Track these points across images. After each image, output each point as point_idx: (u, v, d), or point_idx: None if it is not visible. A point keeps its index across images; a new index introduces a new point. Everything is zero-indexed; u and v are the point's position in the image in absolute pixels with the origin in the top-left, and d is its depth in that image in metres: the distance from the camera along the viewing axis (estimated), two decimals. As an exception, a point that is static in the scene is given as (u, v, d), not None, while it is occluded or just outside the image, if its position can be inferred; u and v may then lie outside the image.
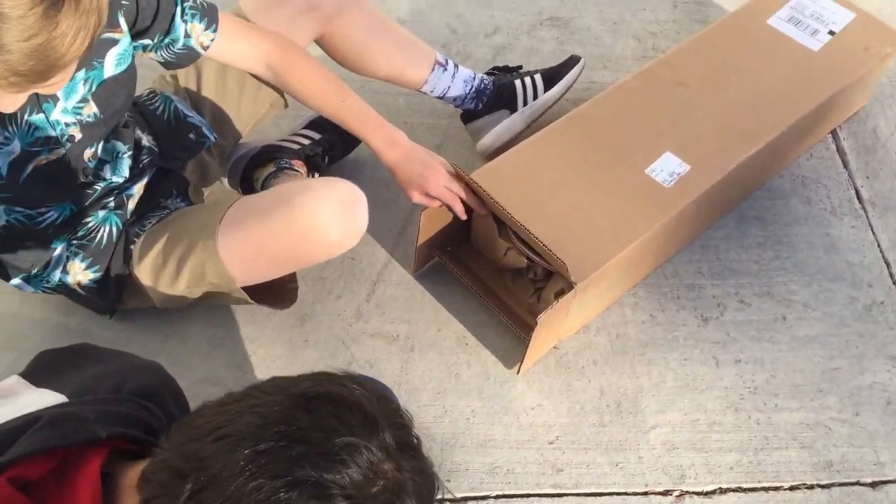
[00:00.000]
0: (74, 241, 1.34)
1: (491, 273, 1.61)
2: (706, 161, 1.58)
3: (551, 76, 1.79)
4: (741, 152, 1.59)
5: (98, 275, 1.37)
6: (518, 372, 1.53)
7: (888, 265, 1.74)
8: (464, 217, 1.48)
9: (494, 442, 1.45)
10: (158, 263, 1.34)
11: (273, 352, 1.51)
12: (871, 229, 1.79)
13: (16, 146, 1.14)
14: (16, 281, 1.34)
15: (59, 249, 1.33)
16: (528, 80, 1.77)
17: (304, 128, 1.71)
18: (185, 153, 1.45)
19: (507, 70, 1.82)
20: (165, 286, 1.35)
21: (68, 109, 1.19)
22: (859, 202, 1.84)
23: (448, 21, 2.08)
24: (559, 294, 1.46)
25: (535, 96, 1.76)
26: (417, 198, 1.45)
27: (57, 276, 1.35)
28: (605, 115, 1.65)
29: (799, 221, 1.79)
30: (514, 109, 1.76)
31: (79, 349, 0.88)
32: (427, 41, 2.00)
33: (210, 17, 1.33)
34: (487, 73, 1.79)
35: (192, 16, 1.30)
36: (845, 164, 1.90)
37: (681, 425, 1.50)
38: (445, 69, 1.68)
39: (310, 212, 1.26)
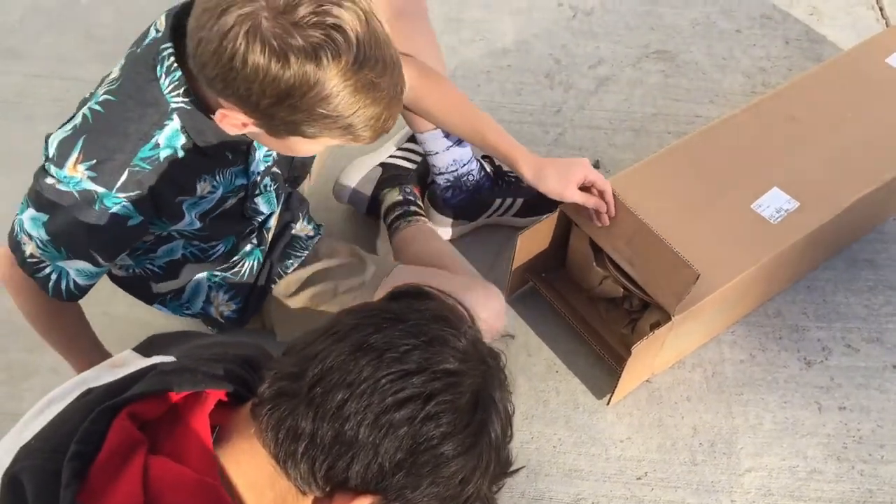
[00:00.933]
0: (218, 273, 1.36)
1: (584, 301, 1.59)
2: (815, 199, 1.52)
3: (533, 206, 1.68)
4: (853, 192, 1.53)
5: (238, 306, 1.40)
6: (608, 403, 1.50)
7: None
8: (606, 223, 1.43)
9: (580, 473, 1.42)
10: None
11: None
12: None
13: (218, 194, 1.17)
14: (156, 305, 1.38)
15: (198, 278, 1.35)
16: (508, 200, 1.69)
17: (409, 140, 1.73)
18: (304, 168, 1.43)
19: (498, 174, 1.69)
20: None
21: (262, 159, 1.22)
22: (981, 250, 1.74)
23: (552, 51, 2.09)
24: (654, 326, 1.43)
25: (502, 215, 1.71)
26: (575, 195, 1.38)
27: (199, 304, 1.38)
28: (712, 147, 1.61)
29: (913, 267, 1.71)
30: (472, 219, 1.70)
31: (189, 332, 0.92)
32: (530, 71, 2.02)
33: None
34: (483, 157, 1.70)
35: None
36: (967, 210, 1.80)
37: (778, 471, 1.43)
38: (447, 137, 1.57)
39: None
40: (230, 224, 1.26)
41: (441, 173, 1.60)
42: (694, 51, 2.11)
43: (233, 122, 0.99)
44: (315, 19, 0.88)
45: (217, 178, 1.15)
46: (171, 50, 1.02)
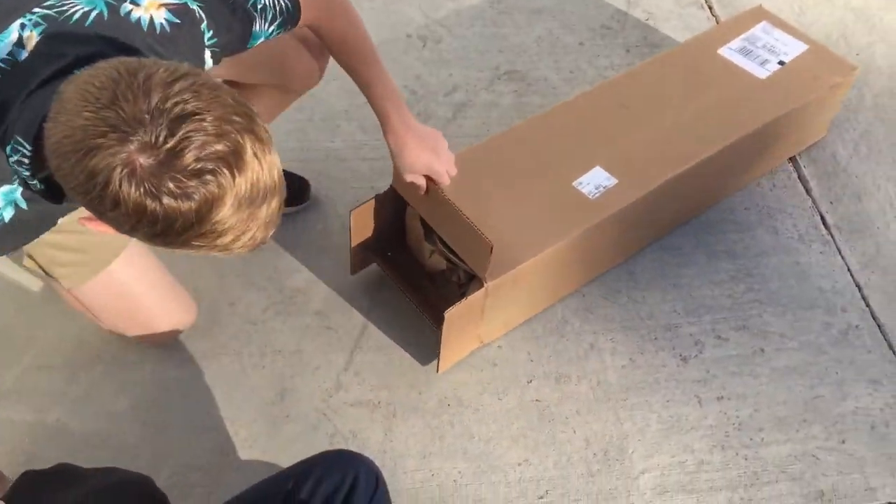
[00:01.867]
0: None
1: (423, 278, 1.65)
2: (634, 177, 1.61)
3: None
4: (670, 170, 1.62)
5: None
6: (437, 370, 1.56)
7: (860, 288, 1.76)
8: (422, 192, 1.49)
9: (484, 502, 1.44)
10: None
11: (255, 430, 1.50)
12: (840, 254, 1.81)
13: None
14: None
15: None
16: None
17: None
18: None
19: None
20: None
21: None
22: (825, 228, 1.86)
23: (407, 83, 2.11)
24: None
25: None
26: (411, 178, 1.45)
27: None
28: (542, 131, 1.70)
29: (768, 252, 1.81)
30: None
31: (62, 472, 0.86)
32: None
33: (291, 21, 1.25)
34: None
35: (275, 32, 1.24)
36: (808, 192, 1.93)
37: (669, 468, 1.49)
38: None
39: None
40: None
41: None
42: (542, 67, 2.18)
43: (98, 227, 0.92)
44: (198, 167, 0.82)
45: None
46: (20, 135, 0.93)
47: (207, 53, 1.13)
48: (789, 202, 1.91)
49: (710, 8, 2.39)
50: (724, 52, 1.87)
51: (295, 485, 1.10)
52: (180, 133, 0.80)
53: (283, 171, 1.82)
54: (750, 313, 1.71)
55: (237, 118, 0.84)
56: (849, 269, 1.79)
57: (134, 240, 1.08)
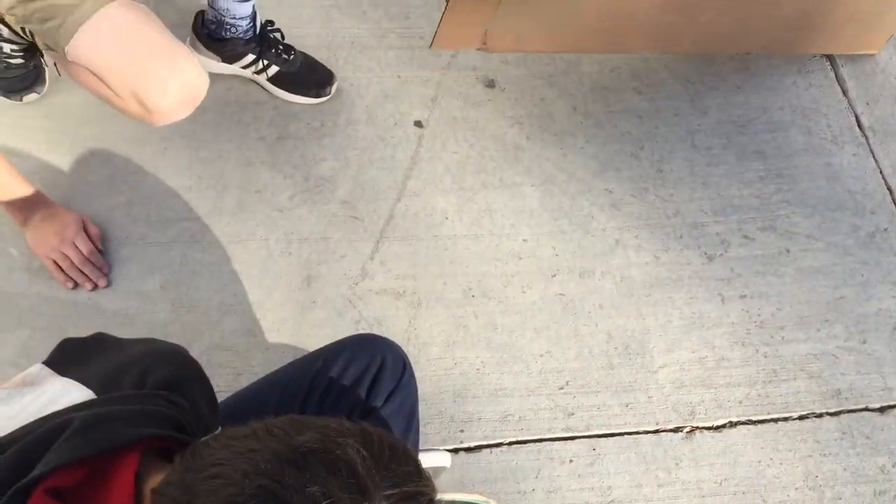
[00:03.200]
0: None
1: None
2: None
3: (288, 78, 1.75)
4: None
5: None
6: (431, 45, 1.51)
7: (891, 191, 1.74)
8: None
9: (505, 391, 1.47)
10: None
11: (282, 314, 1.53)
12: (873, 156, 1.79)
13: None
14: None
15: None
16: (262, 62, 1.73)
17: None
18: None
19: (264, 36, 1.74)
20: None
21: None
22: (860, 129, 1.83)
23: None
24: None
25: (257, 73, 1.74)
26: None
27: None
28: None
29: (799, 153, 1.78)
30: (225, 61, 1.73)
31: (99, 339, 0.88)
32: None
33: None
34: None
35: None
36: (844, 92, 1.88)
37: (689, 363, 1.51)
38: None
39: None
40: None
41: (213, 7, 1.66)
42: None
43: None
44: None
45: None
46: None
47: None
48: (824, 102, 1.86)
49: None
50: None
51: (324, 365, 1.12)
52: None
53: (310, 58, 1.77)
54: (778, 213, 1.70)
55: None
56: (881, 172, 1.76)
57: None
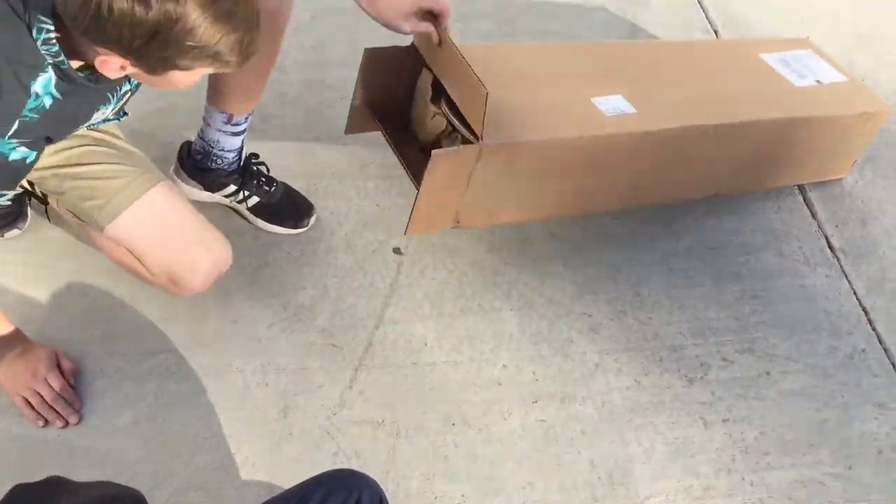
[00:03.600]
0: None
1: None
2: (653, 114, 1.62)
3: (268, 209, 1.78)
4: (689, 120, 1.63)
5: None
6: (406, 231, 1.51)
7: (866, 312, 1.75)
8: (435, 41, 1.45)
9: (488, 524, 1.43)
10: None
11: (257, 447, 1.49)
12: (846, 277, 1.81)
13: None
14: None
15: None
16: (243, 192, 1.76)
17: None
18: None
19: (247, 168, 1.78)
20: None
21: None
22: (831, 251, 1.86)
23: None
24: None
25: (239, 202, 1.78)
26: (406, 26, 1.38)
27: None
28: (574, 52, 1.74)
29: (774, 275, 1.81)
30: (208, 189, 1.77)
31: (54, 483, 0.86)
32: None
33: None
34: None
35: None
36: (814, 215, 1.93)
37: (675, 493, 1.48)
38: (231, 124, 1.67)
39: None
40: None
41: (202, 138, 1.71)
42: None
43: (112, 66, 1.09)
44: None
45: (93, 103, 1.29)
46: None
47: None
48: (795, 225, 1.91)
49: (716, 32, 2.41)
50: (764, 56, 1.88)
51: (299, 502, 1.09)
52: None
53: (291, 189, 1.83)
54: (756, 335, 1.70)
55: None
56: (854, 293, 1.79)
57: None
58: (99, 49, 1.08)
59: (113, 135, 1.49)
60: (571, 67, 1.68)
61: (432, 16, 1.40)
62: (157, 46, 1.04)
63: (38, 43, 1.11)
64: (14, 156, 1.20)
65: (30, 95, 1.15)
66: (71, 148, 1.42)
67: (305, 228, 1.80)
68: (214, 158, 1.72)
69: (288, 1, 1.50)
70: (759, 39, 2.01)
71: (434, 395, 1.58)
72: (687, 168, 1.74)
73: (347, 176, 1.91)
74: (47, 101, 1.17)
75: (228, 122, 1.65)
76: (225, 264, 1.51)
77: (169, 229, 1.47)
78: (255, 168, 1.78)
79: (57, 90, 1.17)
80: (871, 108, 1.84)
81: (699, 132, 1.63)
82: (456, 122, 1.51)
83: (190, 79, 1.16)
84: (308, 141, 1.99)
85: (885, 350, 1.70)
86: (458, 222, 1.56)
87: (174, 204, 1.48)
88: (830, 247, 1.87)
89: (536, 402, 1.59)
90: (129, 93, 1.39)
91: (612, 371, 1.64)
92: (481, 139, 1.40)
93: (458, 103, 1.47)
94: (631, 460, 1.52)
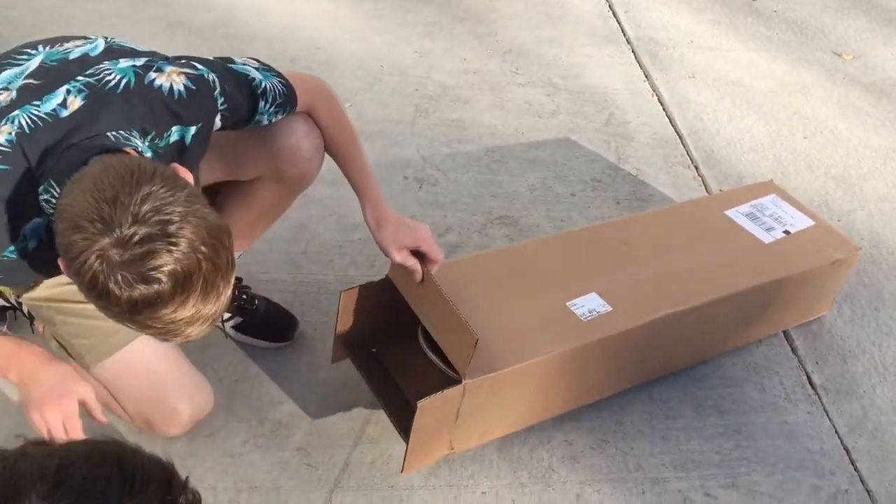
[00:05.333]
0: None
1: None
2: (629, 308, 1.63)
3: (252, 325, 1.78)
4: (664, 308, 1.64)
5: None
6: (402, 470, 1.50)
7: (847, 451, 1.74)
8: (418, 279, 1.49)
9: None
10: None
11: (224, 571, 1.43)
12: (827, 415, 1.81)
13: None
14: None
15: None
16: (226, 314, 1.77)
17: None
18: None
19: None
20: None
21: None
22: (812, 388, 1.86)
23: (402, 222, 2.15)
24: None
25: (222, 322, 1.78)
26: (397, 256, 1.46)
27: None
28: (543, 252, 1.75)
29: (756, 409, 1.80)
30: None
31: None
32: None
33: (289, 104, 1.43)
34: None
35: (275, 113, 1.42)
36: (794, 350, 1.94)
37: None
38: None
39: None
40: None
41: None
42: (534, 214, 2.23)
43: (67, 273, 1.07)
44: (149, 274, 0.99)
45: None
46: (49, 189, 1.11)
47: (218, 117, 1.32)
48: (775, 360, 1.92)
49: (696, 168, 2.49)
50: (730, 213, 1.93)
51: None
52: (150, 247, 0.98)
53: (273, 305, 1.85)
54: (738, 471, 1.68)
55: (204, 248, 1.01)
56: (836, 432, 1.78)
57: None
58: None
59: None
60: (543, 268, 1.71)
61: (421, 256, 1.49)
62: (102, 310, 1.04)
63: (40, 199, 1.13)
64: None
65: (16, 239, 1.16)
66: (70, 283, 1.41)
67: (287, 343, 1.79)
68: None
69: (316, 165, 1.56)
70: (723, 195, 2.06)
71: (410, 521, 1.53)
72: (667, 347, 1.77)
73: (333, 291, 1.91)
74: (31, 244, 1.18)
75: None
76: (204, 412, 1.54)
77: (153, 380, 1.49)
78: (236, 290, 1.77)
79: (46, 233, 1.18)
80: (842, 255, 1.87)
81: (676, 317, 1.66)
82: (439, 363, 1.54)
83: None
84: (294, 254, 2.00)
85: (868, 492, 1.67)
86: (451, 448, 1.59)
87: (160, 351, 1.49)
88: (811, 383, 1.87)
89: (515, 532, 1.54)
90: None
91: (594, 502, 1.60)
92: (465, 379, 1.43)
93: (440, 342, 1.49)
94: None
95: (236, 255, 1.67)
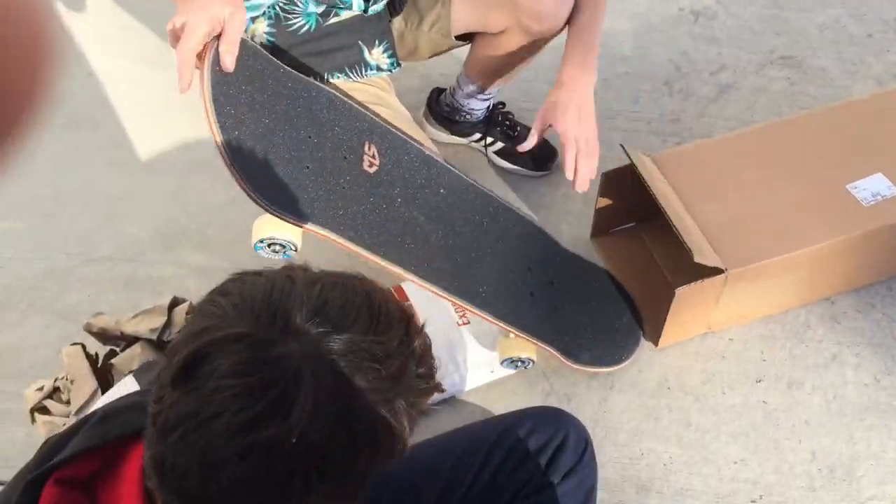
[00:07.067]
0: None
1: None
2: None
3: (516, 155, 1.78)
4: None
5: None
6: (656, 344, 1.53)
7: None
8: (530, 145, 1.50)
9: (693, 492, 1.41)
10: None
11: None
12: None
13: None
14: None
15: None
16: (488, 139, 1.81)
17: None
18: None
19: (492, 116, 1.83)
20: None
21: None
22: None
23: (672, 57, 2.05)
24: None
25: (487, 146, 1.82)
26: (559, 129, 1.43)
27: None
28: (819, 125, 1.59)
29: None
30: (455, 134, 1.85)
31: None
32: (648, 78, 2.00)
33: None
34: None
35: None
36: None
37: (903, 502, 1.38)
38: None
39: None
40: None
41: (453, 97, 1.78)
42: (822, 56, 2.03)
43: None
44: None
45: None
46: None
47: None
48: None
49: None
50: None
51: (506, 430, 1.12)
52: None
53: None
54: None
55: None
56: None
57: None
58: None
59: (386, 91, 1.54)
60: (817, 144, 1.55)
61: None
62: None
63: None
64: None
65: None
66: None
67: (547, 173, 1.82)
68: (463, 115, 1.80)
69: (562, 19, 1.49)
70: None
71: (654, 355, 1.56)
72: None
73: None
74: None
75: (481, 92, 1.73)
76: None
77: None
78: (500, 116, 1.81)
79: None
80: None
81: None
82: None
83: None
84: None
85: None
86: (709, 328, 1.56)
87: None
88: None
89: (760, 381, 1.52)
90: None
91: (851, 364, 1.53)
92: (726, 270, 1.38)
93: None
94: (857, 459, 1.42)
95: (495, 89, 1.70)
